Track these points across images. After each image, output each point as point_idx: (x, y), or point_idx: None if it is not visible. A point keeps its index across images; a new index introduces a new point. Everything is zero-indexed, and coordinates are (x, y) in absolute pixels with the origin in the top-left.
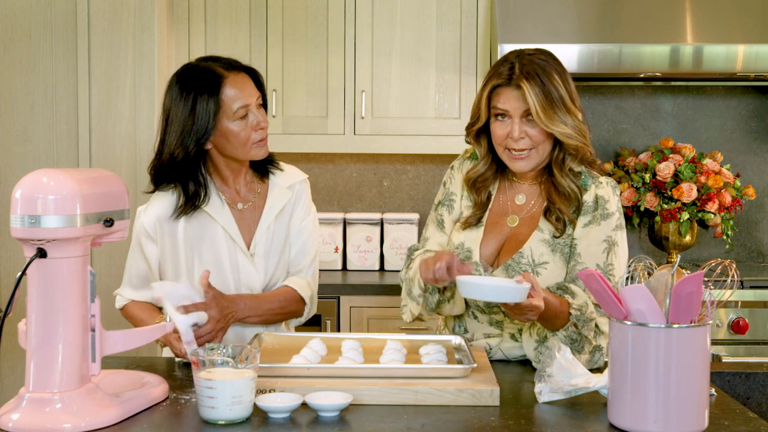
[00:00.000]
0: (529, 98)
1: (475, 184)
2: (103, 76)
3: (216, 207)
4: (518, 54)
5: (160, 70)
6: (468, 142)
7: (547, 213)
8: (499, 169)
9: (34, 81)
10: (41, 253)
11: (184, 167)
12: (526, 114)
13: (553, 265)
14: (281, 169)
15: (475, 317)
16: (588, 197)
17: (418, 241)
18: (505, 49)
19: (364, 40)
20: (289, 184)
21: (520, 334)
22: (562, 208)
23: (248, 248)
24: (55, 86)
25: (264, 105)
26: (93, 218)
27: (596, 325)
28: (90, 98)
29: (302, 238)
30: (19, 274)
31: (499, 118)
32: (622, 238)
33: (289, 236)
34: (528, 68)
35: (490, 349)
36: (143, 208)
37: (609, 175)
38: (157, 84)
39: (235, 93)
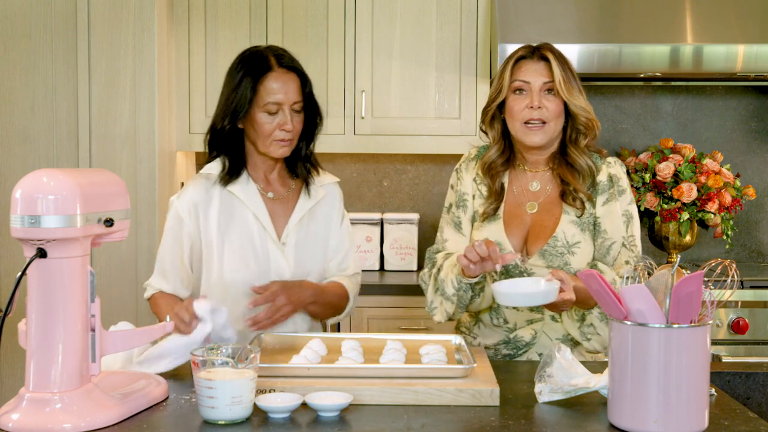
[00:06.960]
0: (556, 69)
1: (489, 170)
2: (103, 76)
3: (248, 193)
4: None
5: (160, 70)
6: (483, 130)
7: (563, 196)
8: (510, 157)
9: (34, 81)
10: (41, 253)
11: (226, 139)
12: (545, 87)
13: (584, 243)
14: (317, 173)
15: (515, 307)
16: (602, 177)
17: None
18: (506, 48)
19: (364, 40)
20: (321, 184)
21: (560, 316)
22: (577, 186)
23: (279, 238)
24: (55, 86)
25: (310, 109)
26: (93, 218)
27: None
28: (90, 98)
29: (345, 244)
30: (19, 274)
31: (517, 93)
32: (635, 211)
33: (329, 239)
34: (550, 47)
35: (535, 333)
36: (176, 196)
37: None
38: (157, 84)
39: (274, 88)
